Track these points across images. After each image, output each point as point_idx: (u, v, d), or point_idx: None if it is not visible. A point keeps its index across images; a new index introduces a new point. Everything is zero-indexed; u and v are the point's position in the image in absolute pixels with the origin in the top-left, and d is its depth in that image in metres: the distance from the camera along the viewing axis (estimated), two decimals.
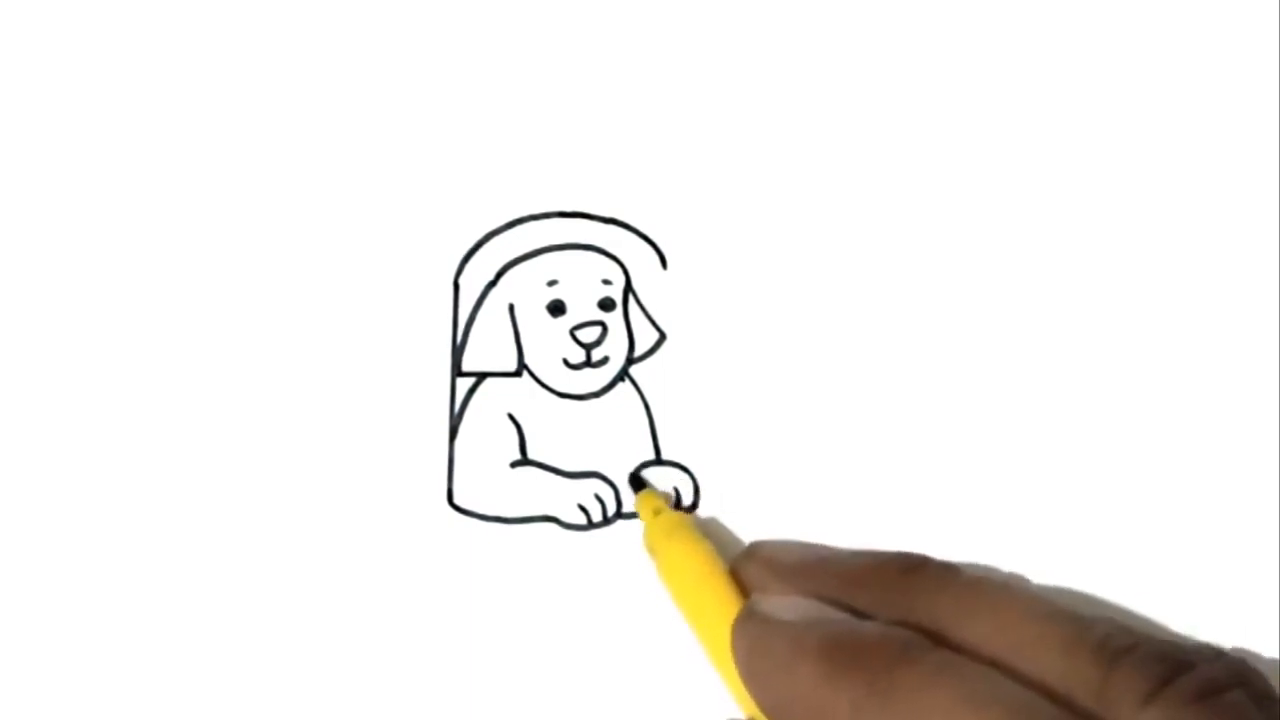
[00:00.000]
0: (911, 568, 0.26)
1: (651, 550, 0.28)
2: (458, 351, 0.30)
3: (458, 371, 0.30)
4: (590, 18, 0.31)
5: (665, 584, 0.28)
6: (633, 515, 0.29)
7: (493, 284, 0.30)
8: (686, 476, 0.29)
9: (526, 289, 0.30)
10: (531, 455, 0.30)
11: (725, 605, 0.26)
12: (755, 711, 0.25)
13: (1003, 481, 0.29)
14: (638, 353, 0.30)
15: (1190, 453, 0.29)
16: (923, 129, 0.31)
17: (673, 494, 0.29)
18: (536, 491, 0.29)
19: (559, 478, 0.29)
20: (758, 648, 0.25)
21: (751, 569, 0.27)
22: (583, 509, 0.29)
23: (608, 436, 0.30)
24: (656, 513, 0.28)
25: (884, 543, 0.29)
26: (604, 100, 0.31)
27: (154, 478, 0.29)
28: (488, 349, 0.30)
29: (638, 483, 0.29)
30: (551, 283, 0.30)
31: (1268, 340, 0.30)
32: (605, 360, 0.30)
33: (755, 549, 0.28)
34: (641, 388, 0.30)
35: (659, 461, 0.30)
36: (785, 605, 0.25)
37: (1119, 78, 0.31)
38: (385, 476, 0.29)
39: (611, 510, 0.29)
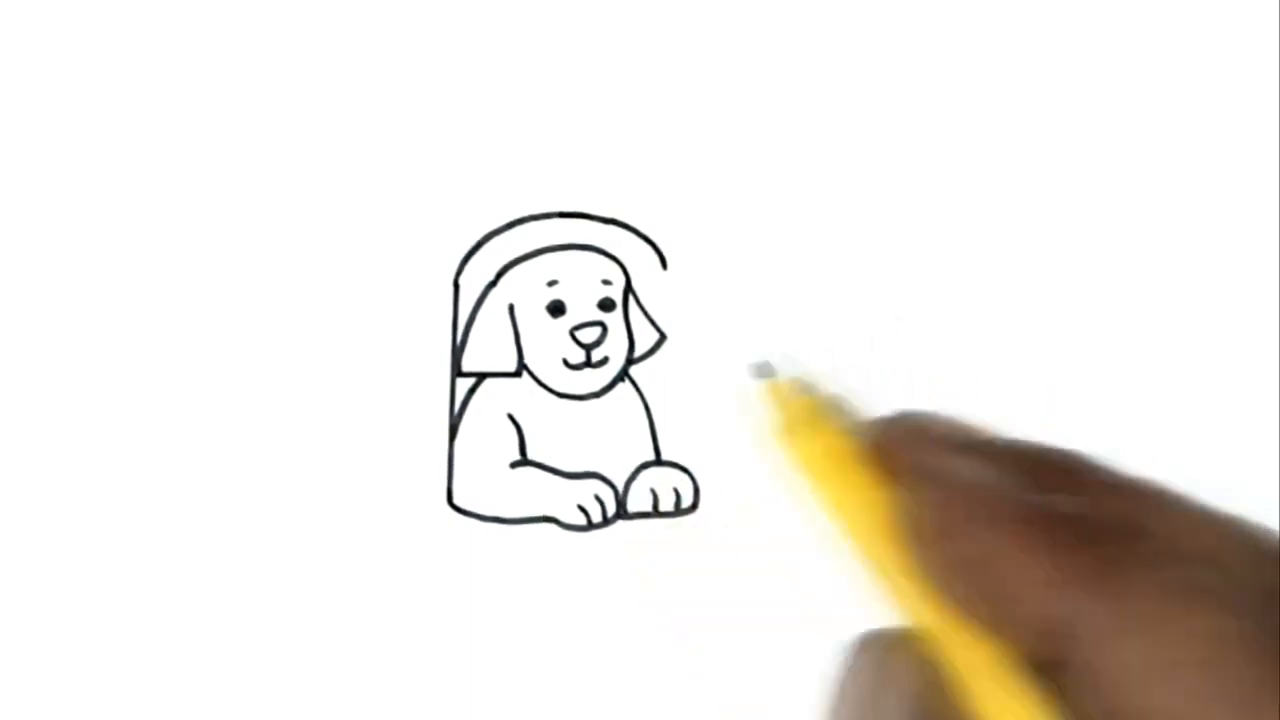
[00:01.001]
0: (1080, 466, 0.24)
1: (784, 443, 0.25)
2: (458, 351, 0.30)
3: (458, 371, 0.30)
4: (590, 18, 0.31)
5: (802, 476, 0.25)
6: (632, 516, 0.29)
7: (493, 284, 0.30)
8: (686, 476, 0.29)
9: (526, 289, 0.30)
10: (531, 455, 0.30)
11: (876, 487, 0.23)
12: (909, 595, 0.21)
13: None
14: (638, 353, 0.30)
15: (1189, 453, 0.29)
16: (923, 129, 0.31)
17: (672, 494, 0.29)
18: (536, 492, 0.29)
19: (559, 478, 0.29)
20: (949, 506, 0.21)
21: (899, 437, 0.25)
22: (582, 509, 0.29)
23: (607, 436, 0.30)
24: (787, 401, 0.26)
25: None
26: (604, 100, 0.31)
27: (155, 478, 0.29)
28: (488, 349, 0.30)
29: (764, 371, 0.26)
30: (551, 283, 0.30)
31: (1267, 340, 0.30)
32: (605, 360, 0.30)
33: (898, 419, 0.25)
34: (641, 388, 0.30)
35: (659, 461, 0.30)
36: (979, 469, 0.22)
37: (1119, 78, 0.31)
38: (385, 476, 0.29)
39: (611, 510, 0.29)
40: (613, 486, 0.29)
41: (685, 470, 0.29)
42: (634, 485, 0.29)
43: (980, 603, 0.21)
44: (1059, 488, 0.23)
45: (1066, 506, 0.22)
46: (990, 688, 0.22)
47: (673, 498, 0.29)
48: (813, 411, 0.24)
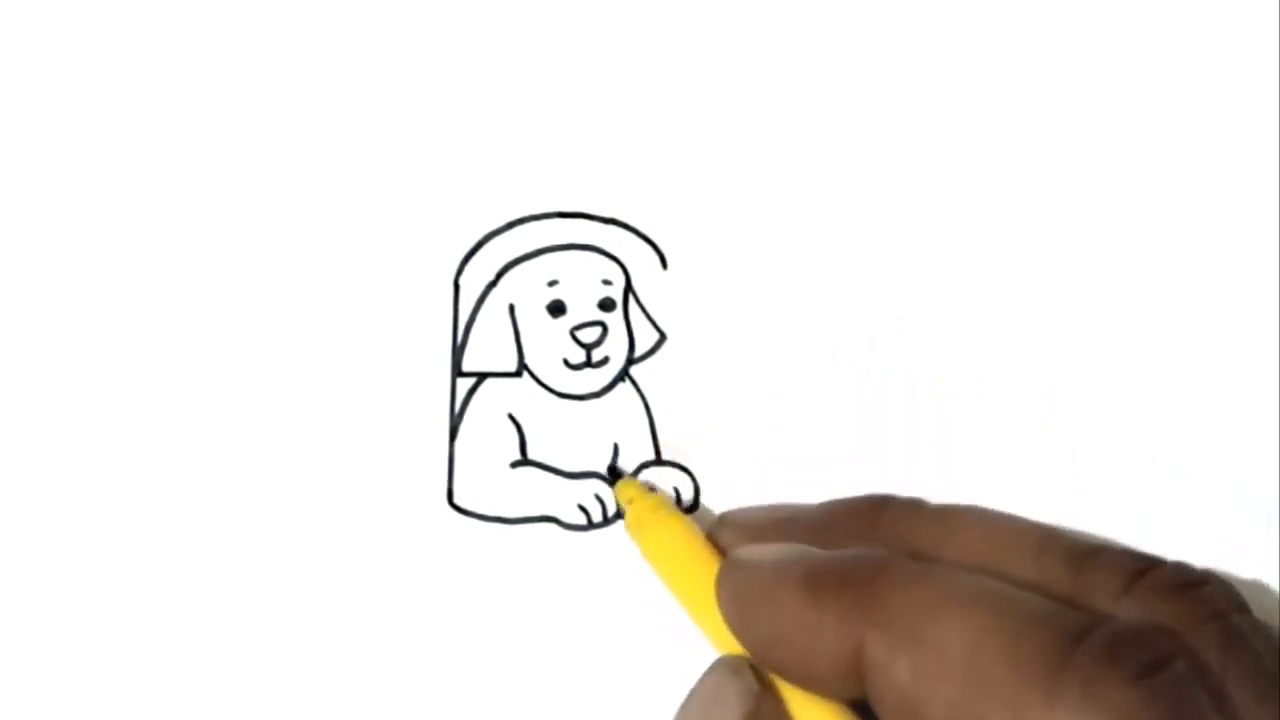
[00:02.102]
0: (877, 506, 0.26)
1: (634, 533, 0.28)
2: (458, 351, 0.30)
3: (458, 371, 0.30)
4: (590, 18, 0.31)
5: (649, 561, 0.28)
6: None
7: (493, 284, 0.30)
8: (686, 476, 0.29)
9: (527, 289, 0.30)
10: (531, 455, 0.30)
11: (706, 567, 0.26)
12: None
13: (1003, 483, 0.29)
14: (638, 353, 0.30)
15: (1189, 452, 0.30)
16: (923, 128, 0.31)
17: (672, 493, 0.29)
18: (536, 491, 0.29)
19: (559, 478, 0.29)
20: (741, 589, 0.25)
21: (726, 535, 0.27)
22: (583, 509, 0.29)
23: (608, 437, 0.30)
24: (631, 500, 0.29)
25: None
26: (604, 100, 0.31)
27: (154, 478, 0.29)
28: (488, 349, 0.30)
29: (614, 474, 0.29)
30: (552, 283, 0.30)
31: (1267, 341, 0.30)
32: (605, 360, 0.30)
33: (726, 518, 0.28)
34: (641, 388, 0.30)
35: (659, 461, 0.30)
36: (765, 550, 0.25)
37: (1119, 78, 0.31)
38: (385, 476, 0.29)
39: (611, 510, 0.29)
40: (613, 486, 0.29)
41: (685, 470, 0.30)
42: None
43: (790, 665, 0.24)
44: (854, 535, 0.25)
45: (840, 555, 0.24)
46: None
47: (673, 498, 0.29)
48: (656, 507, 0.28)
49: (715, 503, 0.29)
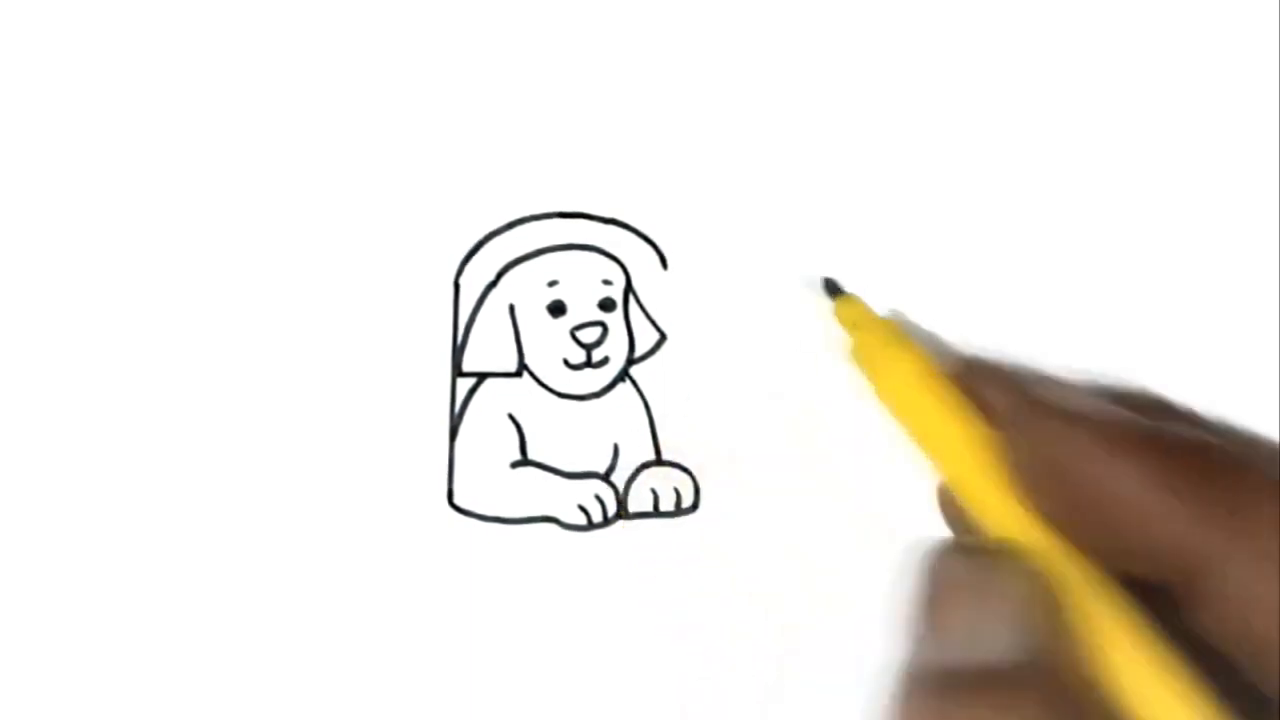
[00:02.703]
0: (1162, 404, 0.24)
1: (863, 364, 0.25)
2: (458, 351, 0.30)
3: (458, 371, 0.30)
4: (590, 18, 0.31)
5: (886, 402, 0.25)
6: (632, 515, 0.29)
7: (493, 284, 0.30)
8: (686, 476, 0.30)
9: (527, 289, 0.30)
10: (531, 455, 0.30)
11: (962, 415, 0.23)
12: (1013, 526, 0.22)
13: None
14: (638, 353, 0.30)
15: None
16: (923, 129, 0.31)
17: (673, 494, 0.29)
18: (536, 492, 0.29)
19: (559, 478, 0.29)
20: (1055, 441, 0.22)
21: (993, 373, 0.24)
22: (583, 509, 0.29)
23: (608, 437, 0.30)
24: (857, 324, 0.26)
25: (882, 541, 0.29)
26: (604, 100, 0.31)
27: (154, 478, 0.29)
28: (488, 349, 0.30)
29: (833, 288, 0.26)
30: (552, 283, 0.30)
31: (1268, 340, 0.30)
32: (605, 360, 0.30)
33: (979, 369, 0.25)
34: (641, 388, 0.30)
35: (659, 462, 0.30)
36: (1079, 398, 0.23)
37: (1119, 77, 0.31)
38: (385, 476, 0.29)
39: (611, 510, 0.29)
40: (613, 486, 0.29)
41: (685, 470, 0.30)
42: (634, 485, 0.29)
43: (1097, 534, 0.21)
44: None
45: (1186, 434, 0.21)
46: (1098, 606, 0.21)
47: (673, 498, 0.29)
48: (891, 334, 0.25)
49: (715, 503, 0.29)
